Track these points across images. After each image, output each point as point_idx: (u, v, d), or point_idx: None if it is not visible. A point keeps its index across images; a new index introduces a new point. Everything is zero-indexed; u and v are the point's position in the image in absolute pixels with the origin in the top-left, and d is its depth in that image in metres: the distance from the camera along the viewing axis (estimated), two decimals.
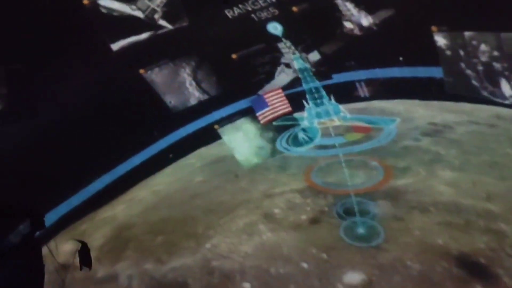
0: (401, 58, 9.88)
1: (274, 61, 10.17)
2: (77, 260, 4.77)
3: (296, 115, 10.31)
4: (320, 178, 8.26)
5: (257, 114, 9.88)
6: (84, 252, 4.66)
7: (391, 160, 8.78)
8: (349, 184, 7.91)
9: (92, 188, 8.05)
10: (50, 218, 7.07)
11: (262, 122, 9.76)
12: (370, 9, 9.75)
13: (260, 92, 9.92)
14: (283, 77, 9.99)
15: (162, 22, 8.96)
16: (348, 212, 7.78)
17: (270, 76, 10.32)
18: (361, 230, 7.63)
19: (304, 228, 7.95)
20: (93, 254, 7.64)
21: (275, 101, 9.92)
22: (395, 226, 7.90)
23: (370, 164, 8.52)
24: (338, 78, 10.40)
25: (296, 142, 9.21)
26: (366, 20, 9.70)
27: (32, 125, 7.04)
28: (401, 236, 7.60)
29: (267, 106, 9.80)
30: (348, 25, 9.96)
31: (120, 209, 8.42)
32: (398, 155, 8.92)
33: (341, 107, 10.01)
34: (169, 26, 9.17)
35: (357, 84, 10.55)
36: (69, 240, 5.90)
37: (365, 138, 9.32)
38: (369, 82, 10.44)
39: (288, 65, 9.96)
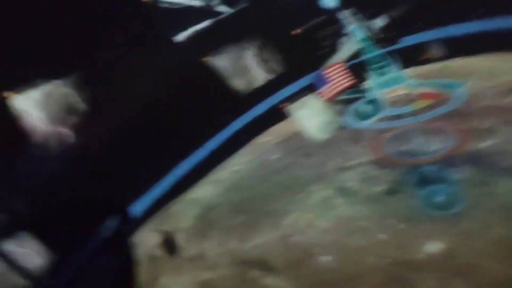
0: (480, 10, 9.09)
1: (337, 32, 9.91)
2: (164, 250, 5.30)
3: (361, 87, 10.00)
4: (391, 149, 8.09)
5: (318, 92, 9.77)
6: (169, 242, 5.16)
7: (470, 123, 8.30)
8: (423, 152, 7.66)
9: (176, 174, 8.74)
10: (139, 208, 7.85)
11: (324, 99, 9.64)
12: None
13: (320, 69, 9.77)
14: (347, 48, 9.72)
15: (222, 8, 9.18)
16: (426, 181, 7.58)
17: (334, 48, 10.11)
18: (440, 198, 7.42)
19: (381, 199, 7.91)
20: (182, 235, 8.43)
21: (335, 76, 9.69)
22: (478, 191, 7.57)
23: (444, 129, 8.13)
24: (406, 41, 9.85)
25: (361, 115, 9.00)
26: None
27: (112, 123, 7.81)
28: (484, 202, 7.28)
29: (327, 82, 9.61)
30: None
31: (204, 190, 9.04)
32: (477, 116, 8.40)
33: (408, 73, 9.51)
34: (229, 10, 9.36)
35: (427, 46, 9.89)
36: (155, 231, 6.53)
37: (435, 104, 8.84)
38: (441, 41, 9.75)
39: (350, 35, 9.64)
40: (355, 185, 8.24)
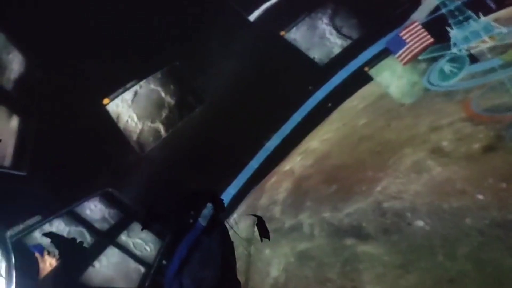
0: None
1: None
2: (257, 233, 5.74)
3: (443, 43, 9.19)
4: (483, 106, 7.50)
5: (396, 56, 9.23)
6: (261, 225, 5.56)
7: None
8: None
9: (269, 147, 9.19)
10: (232, 191, 8.48)
11: (403, 63, 9.09)
12: None
13: (397, 31, 9.15)
14: (426, 3, 8.98)
15: None
16: None
17: (414, 3, 9.42)
18: None
19: (477, 158, 7.50)
20: (279, 207, 8.94)
21: (411, 38, 9.03)
22: None
23: None
24: None
25: (446, 74, 8.34)
26: None
27: (199, 113, 8.44)
28: None
29: (405, 44, 9.01)
30: None
31: (296, 162, 9.37)
32: None
33: (494, 22, 8.46)
34: None
35: None
36: (246, 215, 7.05)
37: None
38: None
39: None
40: (449, 145, 7.92)
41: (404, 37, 9.38)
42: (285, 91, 9.11)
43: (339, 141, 9.37)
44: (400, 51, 9.31)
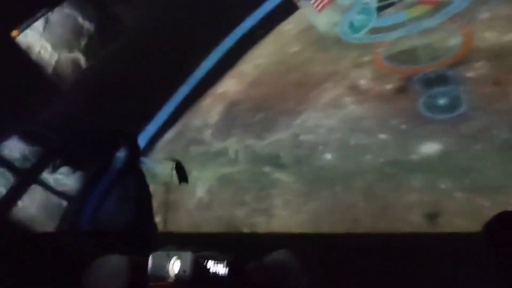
0: None
1: None
2: (175, 177, 6.25)
3: None
4: (392, 59, 7.95)
5: (311, 2, 9.03)
6: (179, 169, 6.12)
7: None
8: (426, 59, 7.53)
9: (202, 71, 9.39)
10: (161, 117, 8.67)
11: (319, 10, 8.97)
12: None
13: None
14: None
15: None
16: (431, 83, 7.66)
17: None
18: (444, 100, 7.61)
19: (388, 98, 8.22)
20: (210, 131, 9.54)
21: None
22: (488, 91, 7.61)
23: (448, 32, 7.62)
24: None
25: (353, 27, 8.40)
26: None
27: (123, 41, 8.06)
28: (493, 103, 7.39)
29: None
30: None
31: (230, 85, 9.74)
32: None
33: None
34: None
35: None
36: (163, 159, 7.55)
37: (434, 9, 8.02)
38: None
39: None
40: (366, 83, 8.53)
41: None
42: (215, 16, 9.06)
43: (269, 69, 9.70)
44: None
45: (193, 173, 8.37)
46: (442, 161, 7.03)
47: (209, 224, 7.50)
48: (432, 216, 6.43)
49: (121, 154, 5.59)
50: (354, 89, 8.32)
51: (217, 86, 9.77)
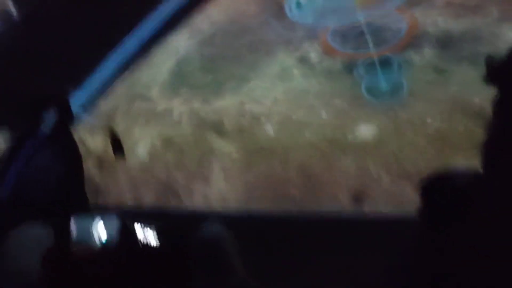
0: None
1: None
2: (110, 150, 6.16)
3: None
4: (338, 43, 7.90)
5: None
6: (115, 140, 6.03)
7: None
8: (372, 45, 7.56)
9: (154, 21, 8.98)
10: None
11: None
12: None
13: None
14: None
15: None
16: (374, 68, 7.78)
17: None
18: (385, 85, 7.81)
19: (335, 75, 8.33)
20: (157, 88, 9.39)
21: None
22: (430, 79, 7.84)
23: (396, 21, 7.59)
24: None
25: (299, 6, 8.10)
26: None
27: None
28: (433, 91, 7.67)
29: None
30: None
31: (183, 40, 9.45)
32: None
33: None
34: None
35: None
36: (101, 129, 7.39)
37: None
38: None
39: None
40: (315, 57, 8.54)
41: None
42: None
43: (225, 28, 9.34)
44: None
45: (136, 131, 8.43)
46: (376, 145, 7.40)
47: (147, 185, 7.72)
48: (358, 198, 6.90)
49: (49, 117, 5.45)
50: (304, 62, 8.34)
51: (170, 41, 9.48)
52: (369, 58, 7.66)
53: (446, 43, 7.80)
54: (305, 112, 7.90)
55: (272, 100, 8.16)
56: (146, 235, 3.83)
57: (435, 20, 8.07)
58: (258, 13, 9.61)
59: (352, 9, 7.71)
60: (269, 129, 7.85)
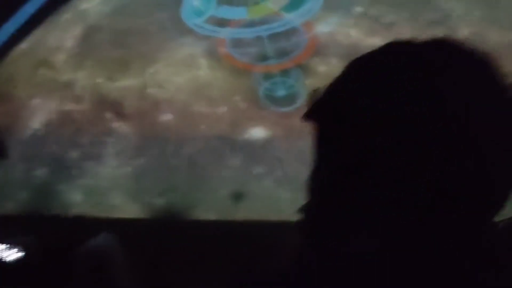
0: None
1: None
2: None
3: None
4: (235, 52, 7.91)
5: None
6: None
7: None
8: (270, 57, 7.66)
9: None
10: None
11: None
12: None
13: None
14: None
15: None
16: (273, 77, 7.94)
17: None
18: (282, 92, 8.05)
19: (240, 73, 8.44)
20: (63, 55, 9.07)
21: None
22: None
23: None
24: None
25: (195, 9, 7.82)
26: None
27: None
28: None
29: None
30: None
31: (94, 4, 8.96)
32: None
33: None
34: None
35: None
36: None
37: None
38: None
39: None
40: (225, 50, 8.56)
41: None
42: None
43: None
44: None
45: (34, 101, 8.32)
46: (263, 148, 7.84)
47: (40, 160, 7.83)
48: (237, 198, 7.42)
49: None
50: (213, 54, 8.36)
51: (79, 3, 8.99)
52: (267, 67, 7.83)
53: (354, 55, 8.07)
54: (205, 103, 8.10)
55: (175, 87, 8.26)
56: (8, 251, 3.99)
57: (347, 32, 8.27)
58: None
59: (249, 22, 7.70)
60: (169, 116, 8.04)
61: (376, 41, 8.14)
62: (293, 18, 7.33)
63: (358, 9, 8.50)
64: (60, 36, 8.97)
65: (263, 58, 7.77)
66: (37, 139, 7.99)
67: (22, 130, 7.98)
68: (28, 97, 8.10)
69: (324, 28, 8.23)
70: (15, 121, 7.92)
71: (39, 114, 8.19)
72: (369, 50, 1.24)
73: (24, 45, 8.76)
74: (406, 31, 8.01)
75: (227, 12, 7.86)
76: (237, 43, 7.96)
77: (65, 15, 9.00)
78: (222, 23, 8.05)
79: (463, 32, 8.02)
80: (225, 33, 7.82)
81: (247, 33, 7.61)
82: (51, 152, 7.92)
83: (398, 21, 8.14)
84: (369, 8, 8.32)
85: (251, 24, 7.60)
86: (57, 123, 8.14)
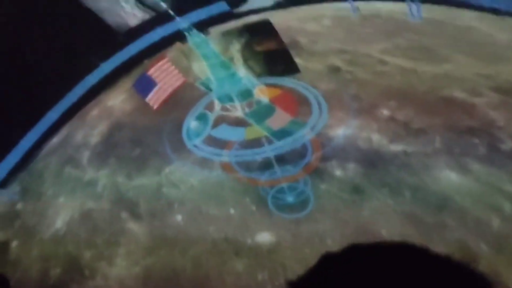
0: None
1: None
2: None
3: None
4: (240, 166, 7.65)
5: (147, 99, 8.45)
6: None
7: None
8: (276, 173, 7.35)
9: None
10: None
11: (155, 107, 7.93)
12: None
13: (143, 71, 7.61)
14: None
15: None
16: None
17: None
18: (290, 200, 7.70)
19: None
20: (88, 152, 9.47)
21: (163, 75, 7.62)
22: (345, 197, 7.63)
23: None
24: None
25: (192, 131, 7.67)
26: None
27: None
28: (342, 211, 7.52)
29: (156, 84, 7.75)
30: None
31: (119, 100, 9.26)
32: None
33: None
34: None
35: None
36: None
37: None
38: None
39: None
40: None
41: (153, 76, 8.20)
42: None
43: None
44: (151, 94, 8.39)
45: (60, 200, 8.76)
46: (270, 253, 7.50)
47: (57, 259, 8.13)
48: None
49: None
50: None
51: (106, 99, 9.41)
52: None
53: (374, 162, 7.58)
54: (215, 204, 8.02)
55: (188, 187, 8.27)
56: None
57: (369, 136, 7.82)
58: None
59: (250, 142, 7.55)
60: (179, 218, 8.04)
61: (399, 148, 7.62)
62: (299, 136, 7.10)
63: (385, 111, 8.06)
64: (87, 132, 9.48)
65: (269, 168, 7.55)
66: (57, 238, 8.36)
67: (46, 230, 8.42)
68: (54, 196, 8.57)
69: (346, 131, 7.93)
70: (41, 220, 8.38)
71: (62, 213, 8.61)
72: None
73: (55, 140, 9.36)
74: (436, 141, 7.43)
75: (224, 132, 7.79)
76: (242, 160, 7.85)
77: (93, 111, 9.53)
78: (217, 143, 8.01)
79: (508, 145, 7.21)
80: (230, 156, 7.80)
81: (255, 155, 7.47)
82: (67, 252, 8.23)
83: (428, 127, 7.55)
84: (395, 111, 7.84)
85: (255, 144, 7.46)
86: (77, 222, 8.50)
